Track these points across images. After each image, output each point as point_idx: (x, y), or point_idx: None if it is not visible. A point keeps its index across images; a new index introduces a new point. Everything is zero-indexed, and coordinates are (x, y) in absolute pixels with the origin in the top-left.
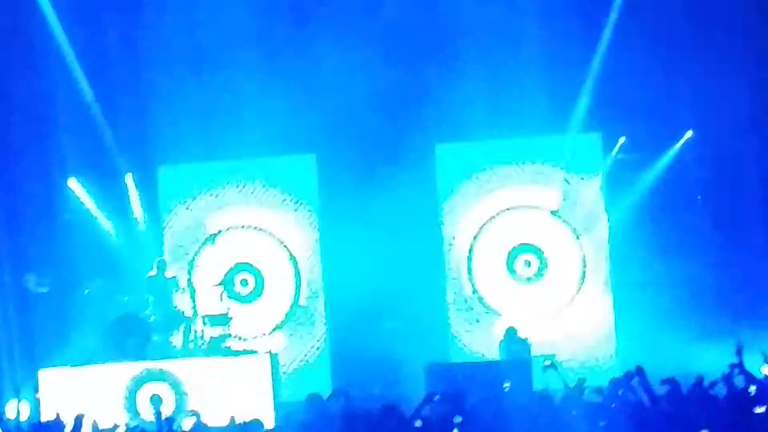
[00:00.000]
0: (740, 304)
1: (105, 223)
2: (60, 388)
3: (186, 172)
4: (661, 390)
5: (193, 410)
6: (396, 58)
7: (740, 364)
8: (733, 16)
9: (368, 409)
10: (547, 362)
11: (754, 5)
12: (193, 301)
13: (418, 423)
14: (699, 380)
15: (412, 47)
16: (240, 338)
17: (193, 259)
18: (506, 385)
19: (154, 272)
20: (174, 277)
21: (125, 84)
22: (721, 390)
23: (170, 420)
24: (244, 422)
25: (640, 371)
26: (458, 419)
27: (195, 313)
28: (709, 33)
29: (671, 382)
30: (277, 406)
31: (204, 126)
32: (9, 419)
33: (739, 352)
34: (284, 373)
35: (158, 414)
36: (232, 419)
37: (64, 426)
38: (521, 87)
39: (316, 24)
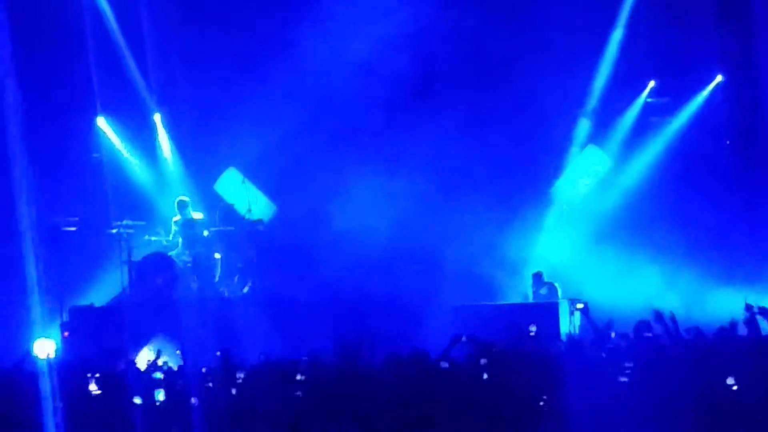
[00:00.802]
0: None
1: (133, 162)
2: (87, 326)
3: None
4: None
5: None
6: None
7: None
8: None
9: (396, 353)
10: (580, 305)
11: None
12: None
13: (444, 365)
14: (724, 327)
15: None
16: None
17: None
18: (532, 329)
19: (177, 217)
20: (201, 218)
21: (154, 22)
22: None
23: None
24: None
25: (659, 316)
26: (484, 361)
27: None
28: None
29: (695, 330)
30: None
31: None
32: (38, 357)
33: (748, 309)
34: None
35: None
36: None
37: (92, 364)
38: (552, 34)
39: None
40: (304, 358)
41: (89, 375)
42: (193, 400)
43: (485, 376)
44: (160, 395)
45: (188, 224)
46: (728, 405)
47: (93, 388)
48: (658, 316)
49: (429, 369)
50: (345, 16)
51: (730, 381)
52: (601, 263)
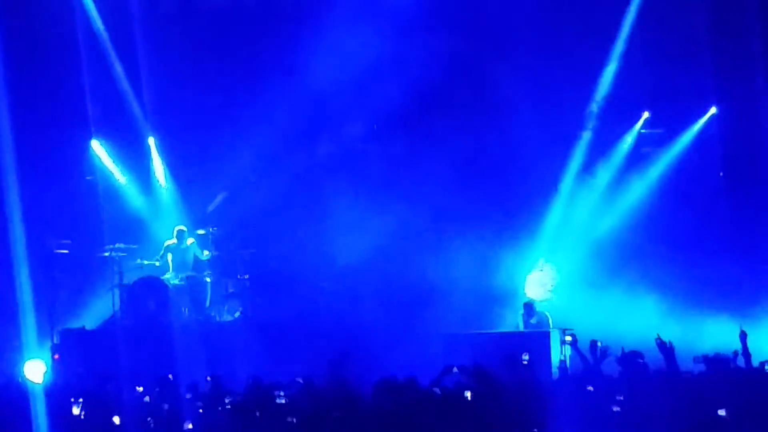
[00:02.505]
0: (760, 281)
1: (126, 186)
2: (78, 349)
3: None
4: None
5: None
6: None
7: (744, 349)
8: None
9: (386, 378)
10: (569, 337)
11: None
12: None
13: (436, 390)
14: (716, 358)
15: None
16: None
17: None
18: (525, 357)
19: (173, 241)
20: (193, 243)
21: (150, 46)
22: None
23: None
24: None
25: (664, 346)
26: (468, 393)
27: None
28: (732, 10)
29: (702, 358)
30: None
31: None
32: (28, 378)
33: (742, 337)
34: None
35: None
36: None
37: (82, 387)
38: (547, 65)
39: None
40: (298, 380)
41: (72, 399)
42: (190, 425)
43: (474, 404)
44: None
45: (180, 249)
46: None
47: (76, 411)
48: (661, 344)
49: (419, 396)
50: (341, 46)
51: (721, 412)
52: (596, 293)
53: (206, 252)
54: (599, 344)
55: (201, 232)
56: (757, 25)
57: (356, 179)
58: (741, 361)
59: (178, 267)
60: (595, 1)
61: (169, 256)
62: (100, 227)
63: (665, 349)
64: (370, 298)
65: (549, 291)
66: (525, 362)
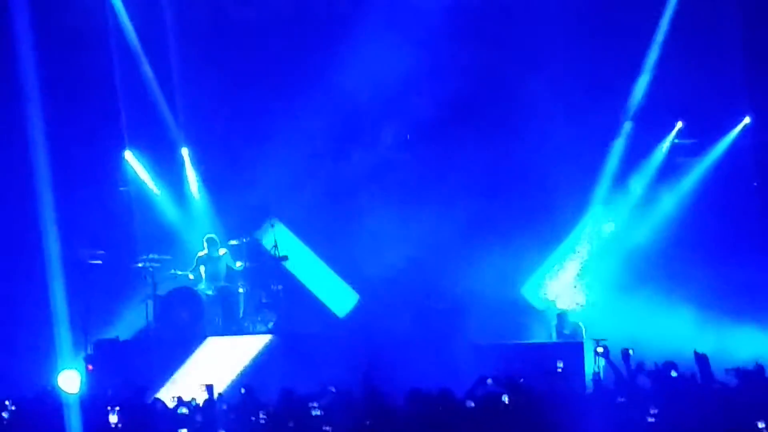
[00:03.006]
0: None
1: (160, 197)
2: (112, 360)
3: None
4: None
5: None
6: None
7: None
8: None
9: (419, 389)
10: (600, 348)
11: None
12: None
13: (470, 403)
14: (757, 369)
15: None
16: None
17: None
18: (560, 364)
19: (205, 252)
20: (226, 253)
21: (183, 57)
22: None
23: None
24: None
25: (700, 358)
26: (505, 398)
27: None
28: (766, 18)
29: (735, 371)
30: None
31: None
32: (62, 389)
33: None
34: None
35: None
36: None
37: (116, 398)
38: (580, 75)
39: None
40: (330, 389)
41: (109, 408)
42: None
43: (507, 415)
44: None
45: (212, 260)
46: None
47: (113, 419)
48: (698, 357)
49: (453, 407)
50: (373, 57)
51: (761, 425)
52: (630, 303)
53: (239, 263)
54: (631, 352)
55: (234, 242)
56: None
57: (388, 189)
58: None
59: (211, 277)
60: (627, 10)
61: (202, 268)
62: (134, 238)
63: (702, 362)
64: (402, 308)
65: (581, 301)
66: (559, 370)
